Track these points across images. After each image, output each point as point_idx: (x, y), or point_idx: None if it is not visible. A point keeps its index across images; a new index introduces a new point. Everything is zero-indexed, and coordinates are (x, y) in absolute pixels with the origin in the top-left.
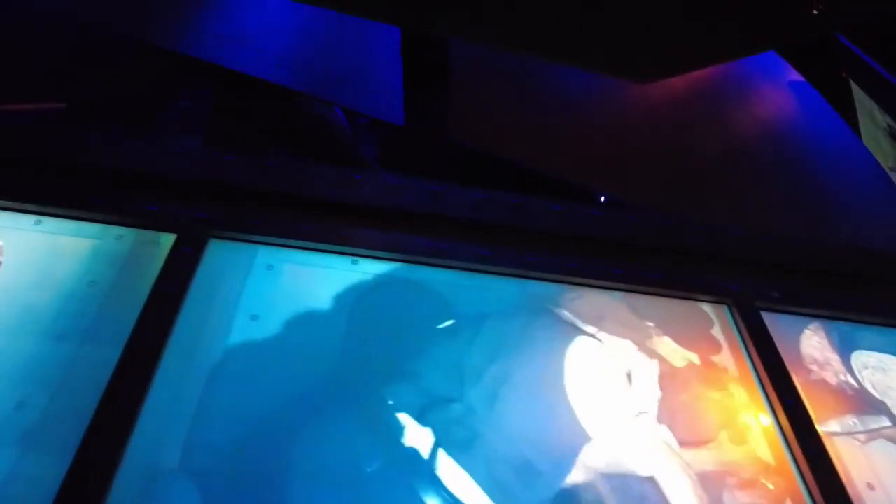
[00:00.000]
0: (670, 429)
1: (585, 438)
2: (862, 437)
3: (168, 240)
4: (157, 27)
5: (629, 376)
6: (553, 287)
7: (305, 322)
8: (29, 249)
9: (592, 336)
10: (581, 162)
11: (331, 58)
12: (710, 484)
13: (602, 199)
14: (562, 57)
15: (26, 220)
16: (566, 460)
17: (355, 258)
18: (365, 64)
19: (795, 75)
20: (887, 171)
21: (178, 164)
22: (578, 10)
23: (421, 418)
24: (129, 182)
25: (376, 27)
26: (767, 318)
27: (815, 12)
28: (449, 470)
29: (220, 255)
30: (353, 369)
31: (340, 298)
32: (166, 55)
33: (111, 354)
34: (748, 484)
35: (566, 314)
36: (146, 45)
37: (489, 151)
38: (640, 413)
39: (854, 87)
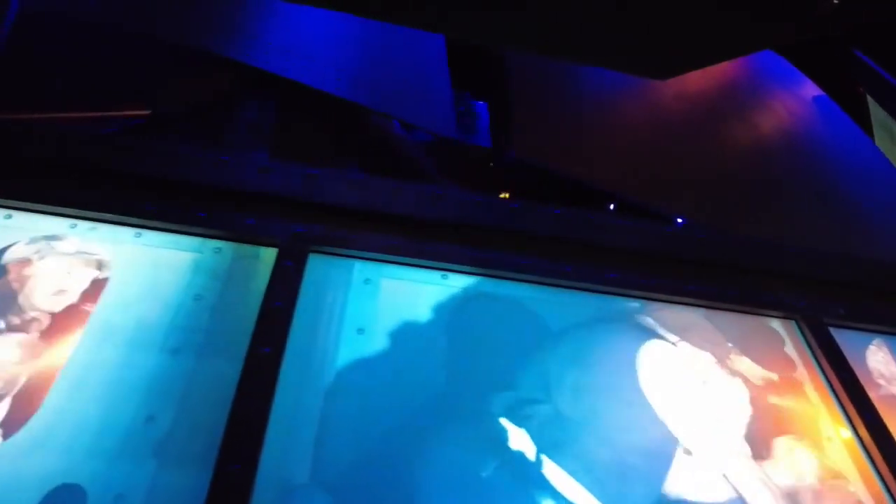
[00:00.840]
0: (753, 443)
1: (670, 439)
2: None
3: (267, 254)
4: (226, 40)
5: (707, 384)
6: (631, 302)
7: (407, 335)
8: (132, 262)
9: (673, 345)
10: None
11: (386, 71)
12: (795, 498)
13: (679, 220)
14: (587, 58)
15: (127, 233)
16: (656, 460)
17: (444, 273)
18: (419, 77)
19: (820, 94)
20: None
21: (272, 180)
22: (604, 12)
23: (522, 424)
24: (225, 196)
25: (428, 40)
26: (834, 333)
27: (835, 1)
28: (554, 471)
29: (320, 270)
30: (458, 380)
31: (436, 311)
32: (232, 69)
33: (228, 369)
34: (831, 497)
35: (649, 321)
36: (214, 58)
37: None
38: (722, 424)
39: (870, 101)
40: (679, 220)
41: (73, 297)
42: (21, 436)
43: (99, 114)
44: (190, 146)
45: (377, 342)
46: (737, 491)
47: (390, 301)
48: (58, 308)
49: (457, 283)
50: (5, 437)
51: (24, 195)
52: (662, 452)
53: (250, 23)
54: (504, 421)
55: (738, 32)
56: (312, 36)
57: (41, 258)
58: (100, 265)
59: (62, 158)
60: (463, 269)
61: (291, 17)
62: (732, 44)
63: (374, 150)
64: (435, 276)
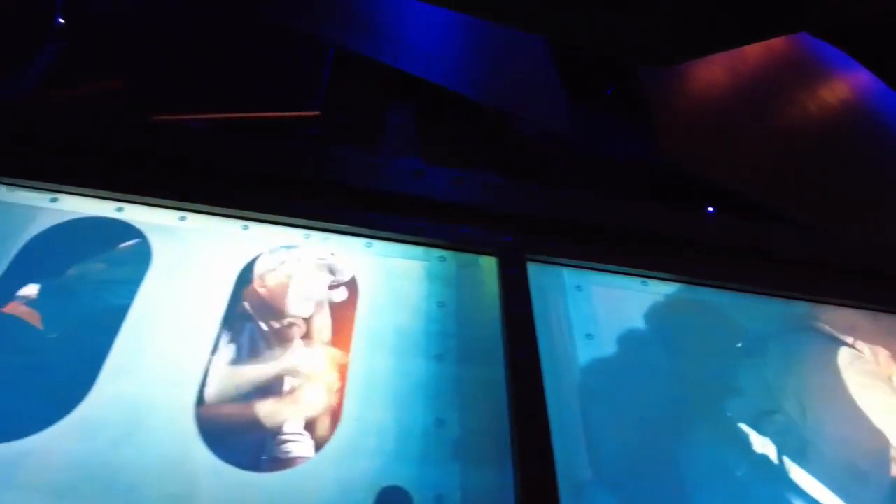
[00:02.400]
0: None
1: (886, 441)
2: None
3: (487, 262)
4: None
5: (893, 380)
6: (804, 305)
7: (629, 340)
8: (370, 271)
9: (852, 346)
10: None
11: (509, 73)
12: None
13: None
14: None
15: (357, 243)
16: (882, 460)
17: (644, 279)
18: (536, 78)
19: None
20: None
21: (466, 190)
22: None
23: (757, 428)
24: (432, 206)
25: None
26: None
27: None
28: (798, 474)
29: (537, 277)
30: (686, 384)
31: (647, 317)
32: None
33: (490, 373)
34: None
35: (826, 328)
36: (365, 62)
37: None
38: None
39: None
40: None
41: (322, 305)
42: (333, 444)
43: (261, 115)
44: (409, 160)
45: (606, 347)
46: None
47: (604, 307)
48: (311, 315)
49: (657, 289)
50: (319, 446)
51: (261, 207)
52: (882, 452)
53: (397, 27)
54: (741, 425)
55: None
56: (442, 38)
57: (285, 267)
58: (339, 275)
59: (297, 173)
60: (661, 277)
61: (423, 19)
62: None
63: (509, 152)
64: (635, 282)
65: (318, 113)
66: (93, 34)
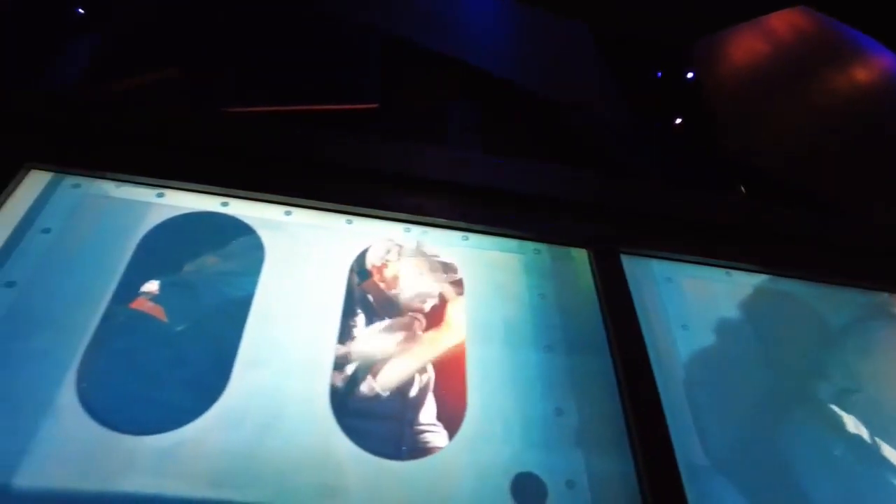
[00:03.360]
0: None
1: None
2: None
3: (578, 254)
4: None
5: None
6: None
7: (723, 330)
8: (471, 264)
9: None
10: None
11: (561, 64)
12: None
13: None
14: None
15: (455, 236)
16: None
17: (728, 271)
18: (582, 67)
19: None
20: None
21: (560, 182)
22: None
23: (848, 410)
24: (529, 200)
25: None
26: None
27: None
28: (889, 451)
29: (629, 269)
30: (780, 370)
31: (735, 308)
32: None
33: (598, 363)
34: None
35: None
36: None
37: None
38: None
39: None
40: None
41: (434, 297)
42: (464, 432)
43: (321, 107)
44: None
45: (702, 337)
46: None
47: (694, 298)
48: (427, 308)
49: (740, 279)
50: (451, 434)
51: (364, 202)
52: None
53: (457, 18)
54: (834, 407)
55: None
56: (495, 29)
57: (396, 260)
58: (445, 267)
59: (392, 168)
60: (744, 267)
61: (478, 9)
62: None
63: (575, 144)
64: (719, 273)
65: (376, 105)
66: (146, 24)
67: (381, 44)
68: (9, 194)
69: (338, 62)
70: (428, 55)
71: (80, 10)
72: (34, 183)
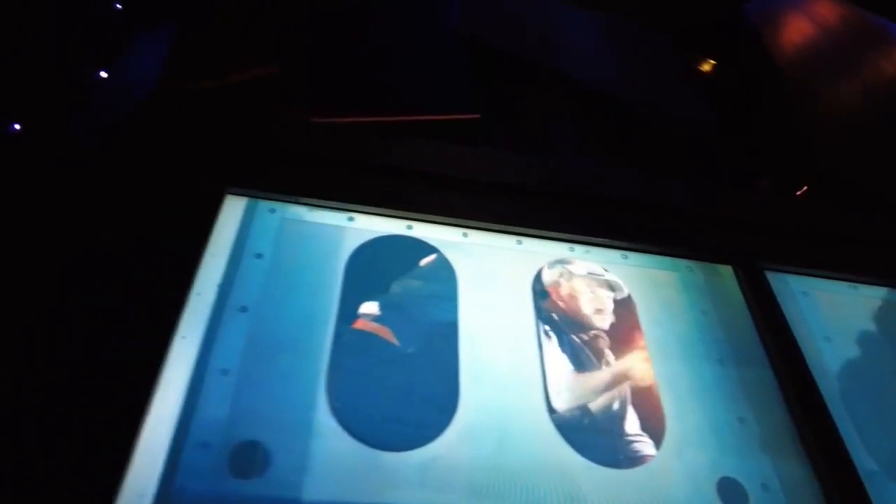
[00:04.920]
0: None
1: None
2: None
3: (725, 271)
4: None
5: None
6: None
7: (863, 341)
8: (635, 282)
9: None
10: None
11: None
12: None
13: None
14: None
15: (615, 254)
16: None
17: (854, 284)
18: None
19: None
20: None
21: (698, 197)
22: None
23: None
24: (675, 216)
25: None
26: None
27: None
28: None
29: (772, 284)
30: None
31: (869, 320)
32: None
33: (763, 375)
34: None
35: None
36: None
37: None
38: None
39: None
40: None
41: (610, 314)
42: (668, 441)
43: (421, 118)
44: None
45: (846, 349)
46: None
47: (830, 311)
48: (605, 326)
49: (866, 293)
50: (656, 444)
51: (532, 223)
52: None
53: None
54: None
55: None
56: (585, 38)
57: (567, 280)
58: (611, 286)
59: (564, 189)
60: (877, 282)
61: (567, 19)
62: None
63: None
64: (845, 286)
65: (478, 115)
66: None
67: (472, 54)
68: (214, 221)
69: (432, 71)
70: (519, 64)
71: (118, 6)
72: (232, 209)
